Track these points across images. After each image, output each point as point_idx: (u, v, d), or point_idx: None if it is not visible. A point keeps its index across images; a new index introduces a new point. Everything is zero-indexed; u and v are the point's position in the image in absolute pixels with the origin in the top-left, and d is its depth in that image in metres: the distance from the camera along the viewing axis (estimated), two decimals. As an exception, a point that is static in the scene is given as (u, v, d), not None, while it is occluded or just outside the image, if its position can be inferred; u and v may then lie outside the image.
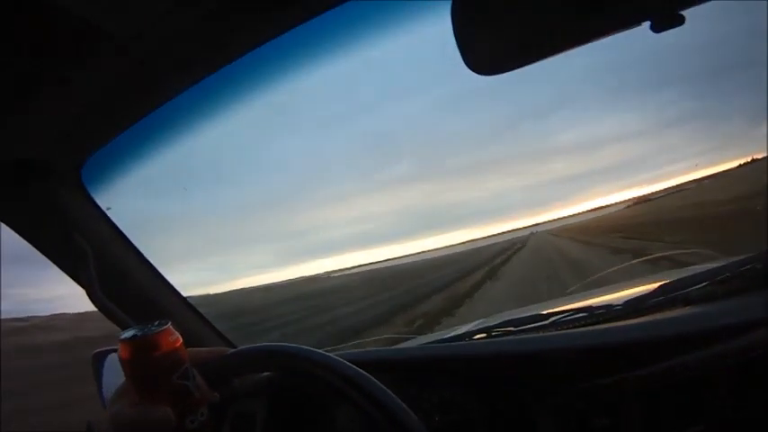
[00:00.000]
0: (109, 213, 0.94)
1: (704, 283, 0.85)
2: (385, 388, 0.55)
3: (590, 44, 0.51)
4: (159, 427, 0.50)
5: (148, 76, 0.71)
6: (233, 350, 0.64)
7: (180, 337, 0.54)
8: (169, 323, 0.54)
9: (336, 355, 0.60)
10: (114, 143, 0.85)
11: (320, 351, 0.60)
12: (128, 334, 0.52)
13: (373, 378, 0.56)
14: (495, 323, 0.97)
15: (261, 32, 0.69)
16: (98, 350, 0.90)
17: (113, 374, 0.80)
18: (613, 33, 0.49)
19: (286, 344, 0.61)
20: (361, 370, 0.57)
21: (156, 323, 0.53)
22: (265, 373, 0.95)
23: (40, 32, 0.55)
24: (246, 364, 0.63)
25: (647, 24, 0.48)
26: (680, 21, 0.46)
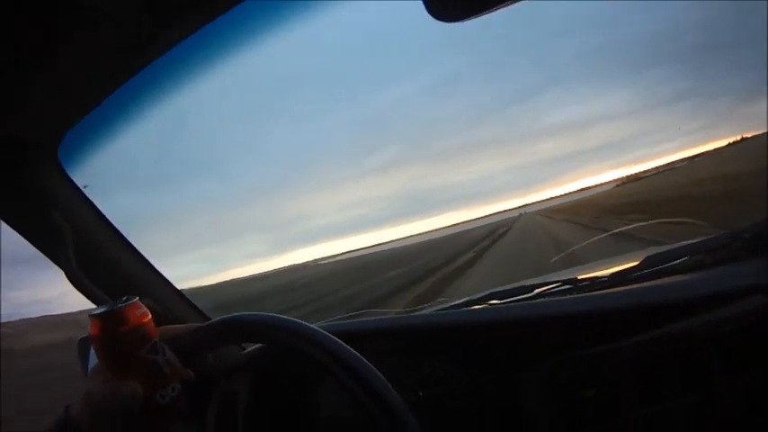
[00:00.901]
0: (86, 192, 0.92)
1: (688, 257, 0.84)
2: (362, 358, 0.53)
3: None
4: (128, 402, 0.49)
5: (124, 44, 0.67)
6: (203, 323, 0.63)
7: (148, 311, 0.53)
8: (136, 298, 0.53)
9: (315, 326, 0.58)
10: (93, 120, 0.82)
11: (295, 319, 0.58)
12: (96, 311, 0.52)
13: (350, 348, 0.54)
14: (480, 296, 0.97)
15: None
16: (84, 335, 0.90)
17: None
18: None
19: (258, 313, 0.59)
20: (336, 338, 0.55)
21: (124, 299, 0.52)
22: (248, 350, 0.94)
23: (9, 2, 0.52)
24: (217, 336, 0.62)
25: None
26: None
